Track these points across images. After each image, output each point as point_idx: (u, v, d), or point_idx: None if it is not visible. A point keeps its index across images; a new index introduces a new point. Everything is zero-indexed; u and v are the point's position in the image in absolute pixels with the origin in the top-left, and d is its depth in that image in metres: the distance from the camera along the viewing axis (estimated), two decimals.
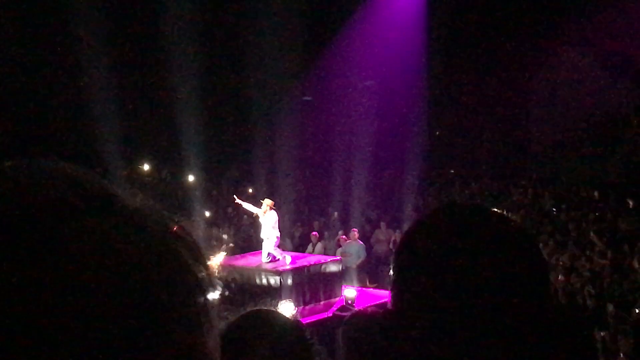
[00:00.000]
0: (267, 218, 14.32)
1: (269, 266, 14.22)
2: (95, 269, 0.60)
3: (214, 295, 0.71)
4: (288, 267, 14.19)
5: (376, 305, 12.17)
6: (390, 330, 1.16)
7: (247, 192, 22.16)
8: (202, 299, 0.69)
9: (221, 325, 1.79)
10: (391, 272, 1.20)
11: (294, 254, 16.04)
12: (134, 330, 0.61)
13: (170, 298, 0.64)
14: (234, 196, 15.68)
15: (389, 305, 1.19)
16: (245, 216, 21.03)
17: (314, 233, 18.17)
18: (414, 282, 1.12)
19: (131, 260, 0.62)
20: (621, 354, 9.23)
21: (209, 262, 0.73)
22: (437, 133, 26.06)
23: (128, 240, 0.64)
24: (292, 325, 1.83)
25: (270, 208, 14.35)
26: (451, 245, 1.10)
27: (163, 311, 0.63)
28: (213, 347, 0.70)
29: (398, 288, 1.16)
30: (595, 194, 19.77)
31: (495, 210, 1.21)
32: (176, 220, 0.74)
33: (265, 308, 1.86)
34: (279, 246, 14.75)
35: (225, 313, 1.84)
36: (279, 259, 14.48)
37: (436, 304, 1.08)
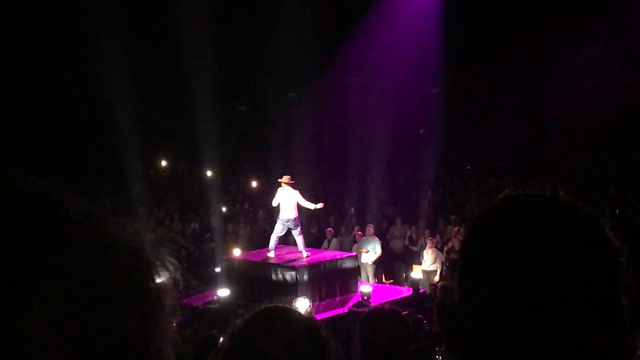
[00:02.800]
0: (278, 195, 14.14)
1: (285, 261, 14.22)
2: (28, 279, 0.59)
3: (160, 288, 0.73)
4: (304, 262, 14.18)
5: (392, 302, 12.17)
6: (456, 325, 1.11)
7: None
8: (147, 295, 0.69)
9: (236, 322, 1.81)
10: (455, 264, 1.14)
11: (309, 249, 16.07)
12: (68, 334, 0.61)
13: (104, 302, 0.64)
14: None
15: (455, 297, 1.14)
16: (260, 211, 21.07)
17: (329, 229, 18.15)
18: (481, 276, 1.08)
19: (64, 271, 0.62)
20: (638, 352, 9.17)
21: (153, 259, 0.74)
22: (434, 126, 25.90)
23: (63, 251, 0.63)
24: (307, 322, 1.83)
25: (285, 184, 14.01)
26: (519, 238, 1.05)
27: (98, 315, 0.63)
28: (160, 343, 0.71)
29: (465, 281, 1.12)
30: (613, 189, 19.64)
31: (573, 201, 1.15)
32: (123, 224, 0.72)
33: (280, 305, 1.87)
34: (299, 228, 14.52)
35: (241, 310, 1.86)
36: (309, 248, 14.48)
37: (503, 300, 1.03)
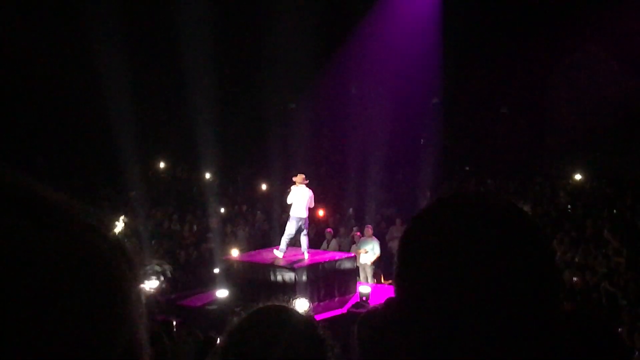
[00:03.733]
0: (293, 194, 14.10)
1: (284, 262, 14.21)
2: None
3: (140, 288, 0.72)
4: (303, 263, 14.18)
5: (387, 299, 12.15)
6: (393, 322, 1.14)
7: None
8: (126, 293, 0.68)
9: (234, 320, 1.81)
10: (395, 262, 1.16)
11: (308, 250, 16.07)
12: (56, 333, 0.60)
13: (89, 295, 0.63)
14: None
15: (394, 297, 1.15)
16: (259, 212, 21.08)
17: (328, 230, 18.15)
18: (416, 274, 1.09)
19: (43, 261, 0.61)
20: (636, 352, 9.17)
21: (133, 257, 0.73)
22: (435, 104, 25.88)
23: (38, 241, 0.62)
24: (305, 321, 1.83)
25: (299, 183, 14.00)
26: (455, 235, 1.06)
27: (84, 308, 0.63)
28: (142, 339, 0.70)
29: (401, 279, 1.13)
30: (611, 191, 19.67)
31: (502, 199, 1.15)
32: (97, 217, 0.72)
33: (278, 304, 1.87)
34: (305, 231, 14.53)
35: (238, 309, 1.85)
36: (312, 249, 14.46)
37: (438, 297, 1.04)
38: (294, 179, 14.07)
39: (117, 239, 0.71)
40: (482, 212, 1.11)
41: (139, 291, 0.72)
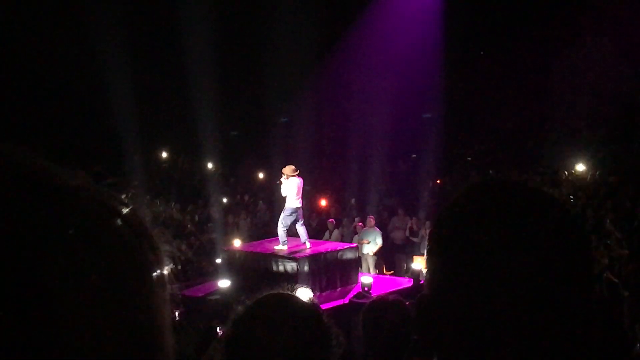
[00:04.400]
0: (283, 186, 14.06)
1: (286, 253, 14.22)
2: (18, 253, 0.58)
3: (164, 273, 0.71)
4: (305, 253, 14.18)
5: (395, 292, 12.18)
6: (425, 315, 1.10)
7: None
8: (150, 278, 0.67)
9: (238, 309, 1.81)
10: (425, 254, 1.12)
11: (310, 241, 16.08)
12: (78, 315, 0.59)
13: (112, 280, 0.62)
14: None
15: (425, 289, 1.11)
16: (261, 202, 21.10)
17: (330, 220, 18.17)
18: (448, 265, 1.06)
19: (62, 243, 0.60)
20: (638, 344, 9.14)
21: (156, 242, 0.72)
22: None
23: (59, 222, 0.61)
24: (310, 309, 1.82)
25: (289, 175, 13.93)
26: (488, 224, 1.03)
27: (106, 293, 0.62)
28: (167, 326, 0.70)
29: (433, 272, 1.09)
30: (613, 181, 19.63)
31: (540, 188, 1.12)
32: (120, 198, 0.71)
33: (282, 292, 1.86)
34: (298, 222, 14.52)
35: (243, 297, 1.85)
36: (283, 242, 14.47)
37: (471, 289, 1.01)
38: (284, 170, 14.04)
39: (140, 221, 0.70)
40: (520, 200, 1.08)
41: (163, 276, 0.71)
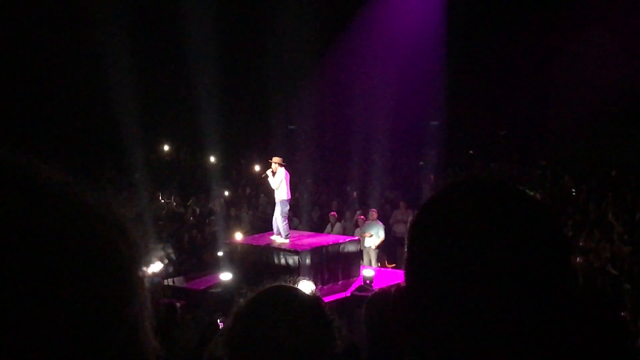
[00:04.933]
0: (274, 178, 14.09)
1: (288, 245, 14.23)
2: None
3: (142, 270, 0.70)
4: (307, 246, 14.20)
5: (397, 285, 12.18)
6: (403, 308, 1.13)
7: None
8: (126, 275, 0.66)
9: (240, 301, 1.80)
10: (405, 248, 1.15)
11: (312, 234, 16.09)
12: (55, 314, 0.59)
13: (85, 277, 0.62)
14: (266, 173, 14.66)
15: (403, 283, 1.14)
16: (262, 195, 21.08)
17: (332, 213, 18.15)
18: (426, 259, 1.07)
19: (34, 240, 0.59)
20: None
21: (134, 239, 0.70)
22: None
23: (31, 219, 0.60)
24: (312, 302, 1.82)
25: (279, 165, 14.05)
26: (467, 221, 1.04)
27: (80, 289, 0.61)
28: (146, 323, 0.69)
29: (410, 265, 1.11)
30: (615, 174, 19.63)
31: (515, 185, 1.13)
32: (96, 195, 0.69)
33: (285, 284, 1.86)
34: (289, 218, 14.55)
35: (244, 290, 1.84)
36: (282, 233, 14.47)
37: (449, 283, 1.02)
38: (274, 160, 14.12)
39: (117, 220, 0.69)
40: (494, 198, 1.09)
41: (141, 274, 0.69)
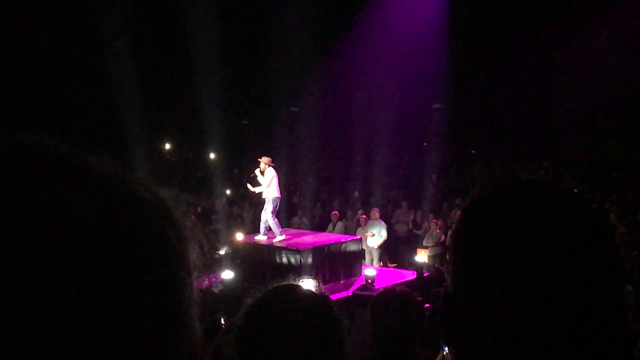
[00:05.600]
0: (264, 177, 14.17)
1: (289, 244, 14.25)
2: (41, 239, 0.56)
3: (189, 260, 0.70)
4: (309, 245, 14.21)
5: (403, 284, 12.19)
6: (449, 314, 1.08)
7: None
8: (175, 266, 0.66)
9: (248, 300, 1.80)
10: (447, 253, 1.12)
11: (313, 232, 16.09)
12: (110, 317, 0.58)
13: (136, 267, 0.61)
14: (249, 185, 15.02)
15: (448, 288, 1.11)
16: None
17: (334, 212, 18.15)
18: (475, 265, 1.04)
19: (85, 230, 0.59)
20: None
21: (183, 229, 0.70)
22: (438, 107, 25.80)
23: (82, 209, 0.60)
24: (322, 301, 1.83)
25: (268, 165, 14.16)
26: (517, 224, 1.02)
27: (142, 295, 0.61)
28: (194, 315, 0.69)
29: (458, 271, 1.08)
30: (618, 174, 19.62)
31: (562, 185, 1.11)
32: (146, 185, 0.70)
33: (292, 283, 1.86)
34: (277, 215, 14.67)
35: (253, 290, 1.84)
36: (273, 233, 14.49)
37: (497, 289, 1.00)
38: (263, 160, 14.23)
39: (165, 208, 0.69)
40: (542, 199, 1.06)
41: (188, 263, 0.69)
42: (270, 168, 14.18)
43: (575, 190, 1.10)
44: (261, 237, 14.77)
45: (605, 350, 1.01)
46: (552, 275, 0.99)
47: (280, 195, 14.39)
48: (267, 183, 14.13)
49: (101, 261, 0.58)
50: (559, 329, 0.99)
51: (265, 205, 14.45)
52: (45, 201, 0.58)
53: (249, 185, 14.78)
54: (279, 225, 14.66)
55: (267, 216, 14.47)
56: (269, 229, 14.65)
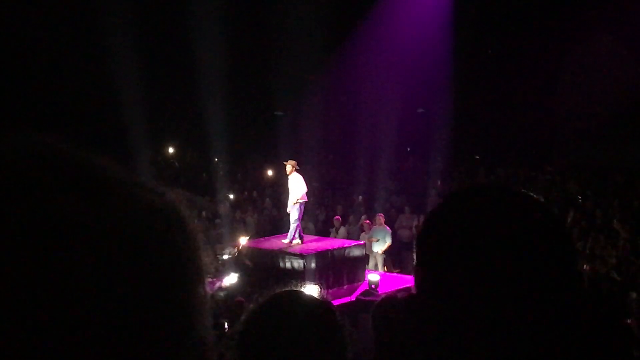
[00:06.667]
0: (292, 182, 14.18)
1: (293, 249, 14.23)
2: (61, 252, 0.57)
3: (201, 266, 0.70)
4: (312, 250, 14.18)
5: (405, 290, 12.20)
6: (413, 314, 1.13)
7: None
8: (201, 289, 0.67)
9: (250, 306, 1.81)
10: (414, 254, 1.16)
11: (317, 237, 16.06)
12: (122, 322, 0.59)
13: (161, 289, 0.62)
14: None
15: (413, 289, 1.15)
16: (268, 199, 21.09)
17: (336, 217, 18.13)
18: (436, 266, 1.08)
19: (96, 236, 0.59)
20: None
21: (194, 235, 0.70)
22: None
23: (108, 220, 0.60)
24: (324, 307, 1.83)
25: (293, 168, 14.13)
26: (475, 227, 1.05)
27: (153, 302, 0.61)
28: (210, 340, 0.69)
29: (420, 272, 1.12)
30: (622, 180, 19.58)
31: (523, 191, 1.14)
32: (173, 198, 0.70)
33: (295, 289, 1.87)
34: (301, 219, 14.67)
35: (256, 295, 1.85)
36: (295, 239, 14.50)
37: (458, 289, 1.03)
38: (292, 163, 14.17)
39: (177, 215, 0.69)
40: (502, 204, 1.10)
41: (200, 270, 0.69)
42: (296, 173, 14.16)
43: (531, 194, 1.13)
44: (296, 242, 14.72)
45: (562, 342, 1.04)
46: (507, 276, 1.02)
47: (307, 199, 14.37)
48: (296, 187, 14.15)
49: (103, 266, 0.59)
50: (515, 328, 1.02)
51: (292, 210, 14.42)
52: (47, 205, 0.58)
53: (290, 204, 14.51)
54: (297, 232, 14.63)
55: (290, 220, 14.48)
56: (297, 233, 14.67)
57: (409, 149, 25.37)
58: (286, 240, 14.58)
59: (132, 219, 0.63)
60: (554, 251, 1.06)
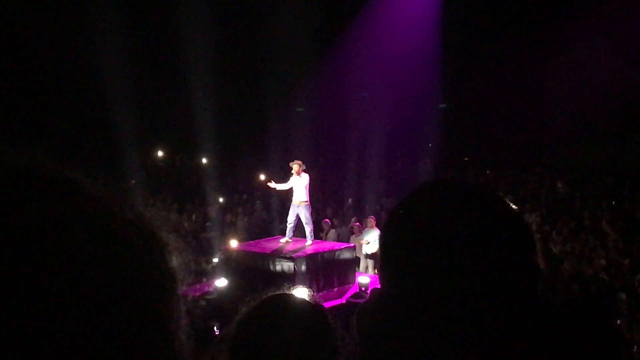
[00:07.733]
0: (301, 181, 14.15)
1: (283, 252, 14.22)
2: (35, 259, 0.58)
3: (174, 275, 0.70)
4: (302, 253, 14.18)
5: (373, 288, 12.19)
6: (378, 311, 1.13)
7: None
8: (166, 296, 0.67)
9: (242, 310, 1.80)
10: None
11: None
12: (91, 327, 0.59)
13: (119, 283, 0.62)
14: (270, 183, 14.77)
15: (378, 287, 1.17)
16: (258, 202, 21.04)
17: (325, 220, 18.12)
18: (398, 262, 1.09)
19: (78, 251, 0.60)
20: (635, 347, 9.11)
21: (166, 244, 0.71)
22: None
23: (77, 231, 0.61)
24: (315, 310, 1.83)
25: (301, 168, 14.14)
26: (433, 223, 1.07)
27: (111, 295, 0.62)
28: (182, 342, 0.70)
29: (384, 267, 1.14)
30: (610, 181, 19.66)
31: (484, 186, 1.17)
32: (129, 203, 0.71)
33: (286, 292, 1.86)
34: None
35: (248, 299, 1.84)
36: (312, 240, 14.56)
37: (420, 284, 1.04)
38: (297, 163, 14.16)
39: (148, 225, 0.70)
40: (461, 199, 1.11)
41: (173, 278, 0.70)
42: (304, 173, 14.17)
43: (489, 188, 1.16)
44: (286, 239, 14.71)
45: (520, 332, 1.04)
46: (467, 270, 1.03)
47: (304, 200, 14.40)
48: (304, 188, 14.13)
49: (73, 278, 0.59)
50: (474, 323, 1.02)
51: (302, 211, 14.37)
52: (26, 220, 0.59)
53: (272, 183, 14.55)
54: (292, 231, 14.74)
55: (304, 221, 14.45)
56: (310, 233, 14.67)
57: (398, 152, 25.37)
58: (308, 242, 14.57)
59: (105, 233, 0.64)
60: (513, 244, 1.07)
